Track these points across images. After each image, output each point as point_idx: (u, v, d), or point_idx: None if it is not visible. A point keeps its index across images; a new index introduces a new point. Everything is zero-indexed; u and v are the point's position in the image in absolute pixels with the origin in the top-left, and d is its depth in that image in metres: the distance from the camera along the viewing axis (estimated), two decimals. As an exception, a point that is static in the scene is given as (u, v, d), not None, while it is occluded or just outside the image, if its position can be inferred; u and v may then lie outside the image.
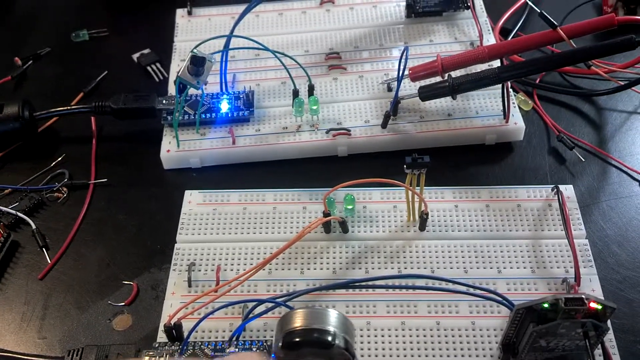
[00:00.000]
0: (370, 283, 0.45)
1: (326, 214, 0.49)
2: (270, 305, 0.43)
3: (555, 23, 0.53)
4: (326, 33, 0.65)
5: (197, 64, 0.53)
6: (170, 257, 0.50)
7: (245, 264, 0.49)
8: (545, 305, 0.38)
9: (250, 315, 0.43)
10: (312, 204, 0.52)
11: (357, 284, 0.46)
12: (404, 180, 0.47)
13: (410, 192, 0.49)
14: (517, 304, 0.39)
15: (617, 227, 0.51)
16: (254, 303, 0.43)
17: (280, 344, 0.35)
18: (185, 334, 0.44)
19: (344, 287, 0.46)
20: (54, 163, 0.58)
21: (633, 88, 0.58)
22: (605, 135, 0.58)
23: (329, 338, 0.34)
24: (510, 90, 0.56)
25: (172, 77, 0.62)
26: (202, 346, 0.43)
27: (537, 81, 0.61)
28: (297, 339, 0.35)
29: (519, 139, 0.57)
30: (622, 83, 0.58)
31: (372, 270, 0.48)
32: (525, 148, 0.57)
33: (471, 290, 0.43)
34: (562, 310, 0.37)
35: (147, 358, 0.43)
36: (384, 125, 0.56)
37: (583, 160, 0.56)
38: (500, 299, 0.41)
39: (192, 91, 0.57)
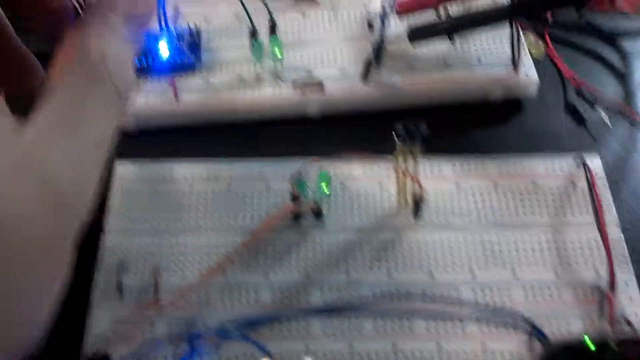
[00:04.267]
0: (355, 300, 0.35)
1: (295, 198, 0.39)
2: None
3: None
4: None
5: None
6: (95, 253, 0.39)
7: (192, 264, 0.38)
8: (591, 347, 0.29)
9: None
10: (278, 180, 0.41)
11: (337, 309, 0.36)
12: (391, 149, 0.37)
13: (401, 171, 0.38)
14: (550, 337, 0.30)
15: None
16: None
17: None
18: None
19: (322, 312, 0.36)
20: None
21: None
22: (633, 87, 0.48)
23: None
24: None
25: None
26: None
27: (550, 19, 0.50)
28: None
29: (530, 94, 0.46)
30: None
31: (354, 273, 0.38)
32: (537, 105, 0.47)
33: (485, 312, 0.33)
34: (614, 352, 0.28)
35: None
36: (364, 75, 0.45)
37: (608, 124, 0.45)
38: (527, 326, 0.31)
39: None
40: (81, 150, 0.23)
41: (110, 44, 0.25)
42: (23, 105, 0.22)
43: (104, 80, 0.25)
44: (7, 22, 0.29)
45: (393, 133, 0.35)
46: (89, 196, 0.24)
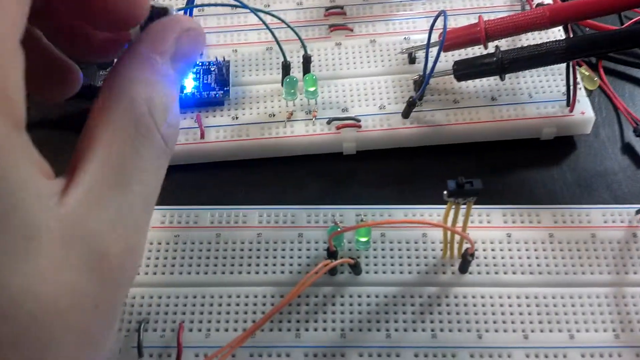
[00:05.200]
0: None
1: (331, 254, 0.35)
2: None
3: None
4: (325, -22, 0.49)
5: (157, 15, 0.37)
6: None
7: (218, 320, 0.35)
8: None
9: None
10: (311, 228, 0.38)
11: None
12: (434, 192, 0.33)
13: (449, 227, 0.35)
14: None
15: None
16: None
17: None
18: None
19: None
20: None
21: None
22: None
23: None
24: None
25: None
26: None
27: (604, 50, 0.46)
28: None
29: (585, 132, 0.43)
30: None
31: (395, 333, 0.35)
32: (591, 144, 0.43)
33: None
34: None
35: None
36: (405, 114, 0.42)
37: (672, 166, 0.42)
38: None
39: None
40: (132, 209, 0.21)
41: (156, 91, 0.22)
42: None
43: (151, 132, 0.21)
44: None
45: (444, 193, 0.31)
46: (139, 258, 0.21)
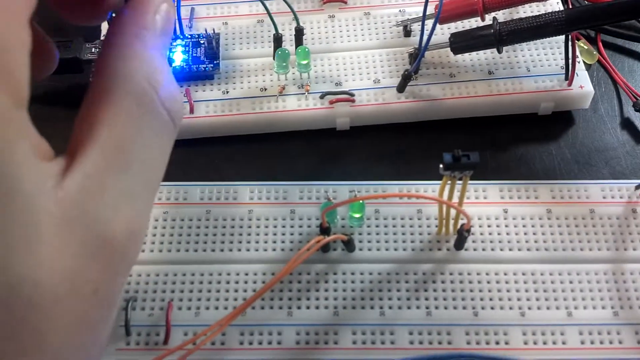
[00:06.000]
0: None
1: (324, 230, 0.34)
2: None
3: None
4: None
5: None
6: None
7: (208, 299, 0.34)
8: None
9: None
10: (303, 205, 0.37)
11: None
12: (430, 168, 0.33)
13: (445, 201, 0.34)
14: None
15: None
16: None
17: None
18: None
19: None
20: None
21: None
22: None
23: None
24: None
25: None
26: None
27: (603, 23, 0.45)
28: None
29: (583, 107, 0.42)
30: None
31: (389, 311, 0.34)
32: (589, 119, 0.42)
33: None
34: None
35: None
36: (401, 88, 0.41)
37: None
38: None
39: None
40: (136, 191, 0.20)
41: (153, 65, 0.20)
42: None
43: (155, 107, 0.20)
44: None
45: (440, 166, 0.31)
46: (141, 238, 0.20)
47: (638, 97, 0.42)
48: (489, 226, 0.36)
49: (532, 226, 0.36)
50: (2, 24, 0.16)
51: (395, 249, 0.36)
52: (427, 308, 0.34)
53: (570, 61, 0.40)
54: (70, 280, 0.18)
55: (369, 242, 0.36)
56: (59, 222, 0.17)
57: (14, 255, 0.16)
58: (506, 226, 0.36)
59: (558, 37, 0.41)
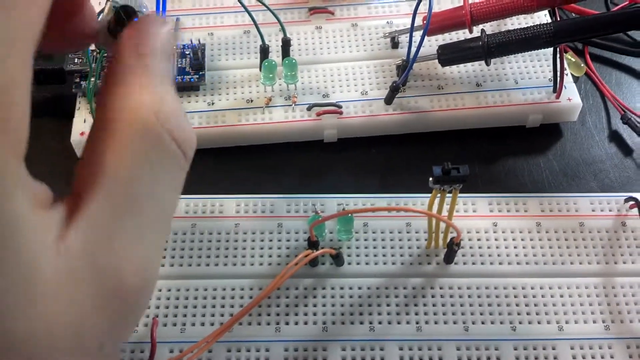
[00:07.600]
0: None
1: (313, 244, 0.34)
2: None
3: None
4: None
5: (127, 16, 0.34)
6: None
7: (194, 314, 0.34)
8: None
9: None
10: (291, 218, 0.37)
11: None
12: (419, 181, 0.32)
13: (434, 215, 0.33)
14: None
15: None
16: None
17: None
18: None
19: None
20: None
21: None
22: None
23: None
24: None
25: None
26: None
27: (591, 35, 0.45)
28: None
29: (571, 119, 0.42)
30: None
31: (378, 326, 0.33)
32: (577, 131, 0.42)
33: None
34: None
35: None
36: (388, 100, 0.40)
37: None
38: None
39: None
40: (147, 231, 0.18)
41: (159, 95, 0.19)
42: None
43: (163, 141, 0.18)
44: None
45: (429, 179, 0.30)
46: (153, 285, 0.19)
47: (626, 110, 0.42)
48: (478, 239, 0.36)
49: (522, 239, 0.36)
50: (4, 64, 0.15)
51: (385, 263, 0.35)
52: (417, 323, 0.33)
53: (558, 73, 0.40)
54: (75, 336, 0.17)
55: (358, 256, 0.35)
56: (64, 275, 0.16)
57: (14, 312, 0.15)
58: (496, 239, 0.36)
59: (546, 50, 0.41)
